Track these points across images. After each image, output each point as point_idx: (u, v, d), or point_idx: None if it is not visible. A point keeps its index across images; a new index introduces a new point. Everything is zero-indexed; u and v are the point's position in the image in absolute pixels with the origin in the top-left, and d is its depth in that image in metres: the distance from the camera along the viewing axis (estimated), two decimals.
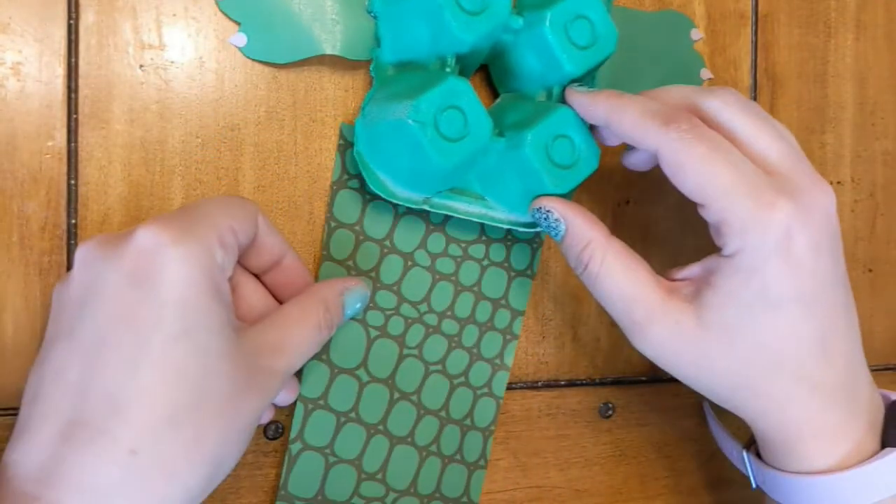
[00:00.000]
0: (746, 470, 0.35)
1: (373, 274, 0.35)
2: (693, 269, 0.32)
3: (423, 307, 0.36)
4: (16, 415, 0.27)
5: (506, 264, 0.37)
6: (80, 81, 0.31)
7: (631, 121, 0.31)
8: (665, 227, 0.40)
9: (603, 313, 0.34)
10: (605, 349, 0.40)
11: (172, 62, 0.32)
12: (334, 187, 0.34)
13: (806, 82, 0.43)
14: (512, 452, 0.38)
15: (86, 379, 0.25)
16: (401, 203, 0.33)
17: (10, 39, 0.30)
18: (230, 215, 0.28)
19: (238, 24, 0.32)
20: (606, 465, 0.40)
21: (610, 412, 0.40)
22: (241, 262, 0.31)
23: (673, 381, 0.33)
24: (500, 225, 0.35)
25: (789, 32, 0.43)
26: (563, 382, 0.39)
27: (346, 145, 0.34)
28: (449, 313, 0.36)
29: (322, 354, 0.34)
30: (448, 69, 0.32)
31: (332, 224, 0.34)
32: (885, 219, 0.45)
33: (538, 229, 0.35)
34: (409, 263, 0.35)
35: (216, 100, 0.33)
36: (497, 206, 0.35)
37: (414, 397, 0.35)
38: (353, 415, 0.34)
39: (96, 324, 0.26)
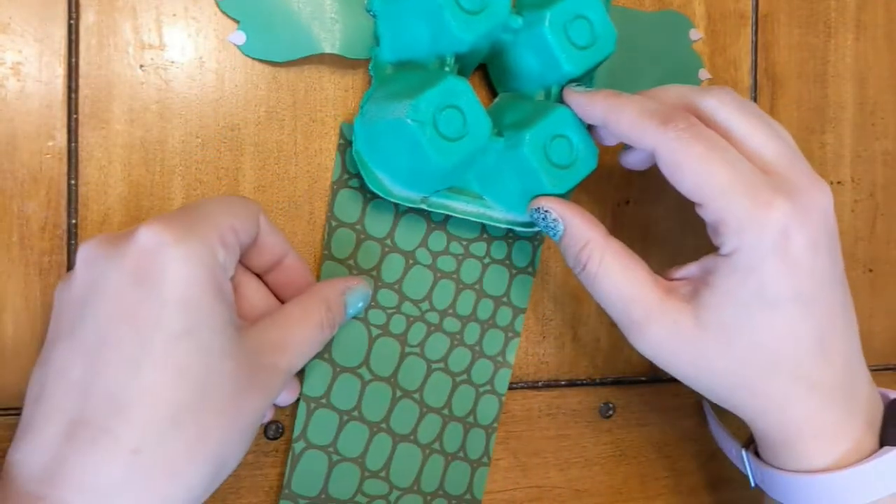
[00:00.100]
0: (745, 469, 0.35)
1: (374, 273, 0.35)
2: (691, 269, 0.32)
3: (425, 305, 0.36)
4: (16, 415, 0.27)
5: (507, 262, 0.37)
6: (81, 81, 0.31)
7: (628, 120, 0.31)
8: (665, 227, 0.40)
9: (603, 313, 0.34)
10: (605, 349, 0.40)
11: (172, 62, 0.32)
12: (335, 187, 0.34)
13: (806, 82, 0.43)
14: (512, 452, 0.38)
15: (88, 378, 0.25)
16: (399, 202, 0.33)
17: (11, 39, 0.30)
18: (232, 214, 0.28)
19: (237, 22, 0.33)
20: (606, 465, 0.40)
21: (610, 412, 0.40)
22: (243, 262, 0.31)
23: (673, 381, 0.33)
24: (498, 224, 0.35)
25: (789, 32, 0.43)
26: (563, 382, 0.39)
27: (347, 145, 0.34)
28: (450, 311, 0.36)
29: (324, 353, 0.34)
30: (447, 68, 0.33)
31: (333, 223, 0.34)
32: (885, 219, 0.45)
33: (536, 229, 0.35)
34: (411, 262, 0.35)
35: (216, 100, 0.33)
36: (495, 205, 0.35)
37: (416, 395, 0.36)
38: (355, 413, 0.34)
39: (98, 323, 0.26)
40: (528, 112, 0.34)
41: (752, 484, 0.35)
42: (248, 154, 0.33)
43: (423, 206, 0.34)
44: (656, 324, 0.31)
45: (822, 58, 0.44)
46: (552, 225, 0.33)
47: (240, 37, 0.32)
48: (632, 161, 0.35)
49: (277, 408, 0.34)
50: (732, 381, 0.31)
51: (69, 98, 0.31)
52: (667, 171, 0.30)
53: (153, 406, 0.25)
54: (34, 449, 0.25)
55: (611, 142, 0.34)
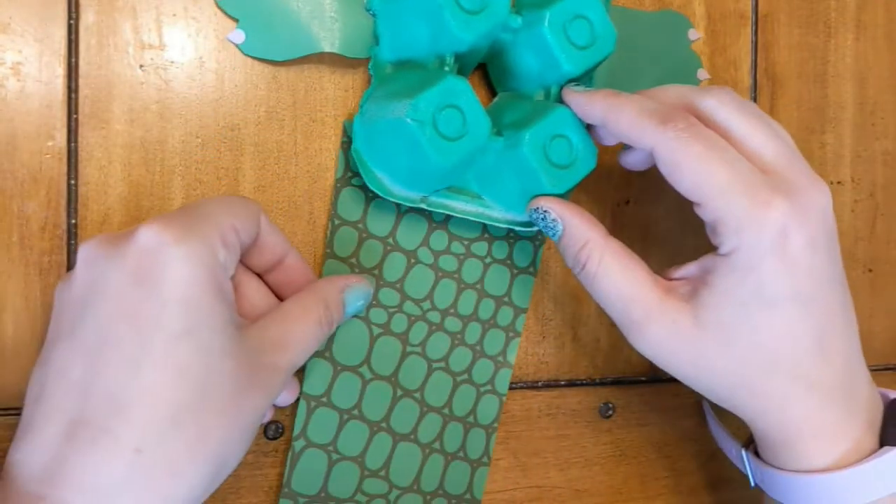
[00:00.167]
0: (745, 469, 0.35)
1: (376, 271, 0.35)
2: (690, 269, 0.32)
3: (426, 304, 0.36)
4: (16, 415, 0.27)
5: (508, 261, 0.37)
6: (81, 81, 0.31)
7: (628, 120, 0.31)
8: (664, 227, 0.40)
9: (603, 313, 0.34)
10: (605, 349, 0.40)
11: (172, 62, 0.32)
12: (337, 185, 0.34)
13: (806, 82, 0.43)
14: (512, 452, 0.38)
15: (88, 378, 0.25)
16: (398, 202, 0.33)
17: (10, 39, 0.30)
18: (232, 214, 0.28)
19: (236, 20, 0.33)
20: (606, 465, 0.40)
21: (610, 412, 0.40)
22: (244, 262, 0.31)
23: (673, 381, 0.33)
24: (497, 224, 0.35)
25: (789, 32, 0.43)
26: (563, 382, 0.39)
27: (349, 143, 0.34)
28: (452, 311, 0.36)
29: (325, 352, 0.34)
30: (447, 68, 0.33)
31: (336, 222, 0.34)
32: (885, 219, 0.45)
33: (536, 228, 0.35)
34: (412, 261, 0.35)
35: (216, 100, 0.33)
36: (494, 205, 0.35)
37: (417, 395, 0.36)
38: (355, 412, 0.34)
39: (98, 323, 0.26)
40: (528, 112, 0.34)
41: (752, 484, 0.35)
42: (248, 154, 0.33)
43: (423, 206, 0.34)
44: (656, 323, 0.31)
45: (822, 58, 0.44)
46: (551, 225, 0.33)
47: (239, 35, 0.32)
48: (631, 161, 0.35)
49: (277, 408, 0.34)
50: (732, 380, 0.31)
51: (69, 98, 0.31)
52: (666, 170, 0.30)
53: (153, 406, 0.25)
54: (34, 449, 0.25)
55: (610, 142, 0.34)
